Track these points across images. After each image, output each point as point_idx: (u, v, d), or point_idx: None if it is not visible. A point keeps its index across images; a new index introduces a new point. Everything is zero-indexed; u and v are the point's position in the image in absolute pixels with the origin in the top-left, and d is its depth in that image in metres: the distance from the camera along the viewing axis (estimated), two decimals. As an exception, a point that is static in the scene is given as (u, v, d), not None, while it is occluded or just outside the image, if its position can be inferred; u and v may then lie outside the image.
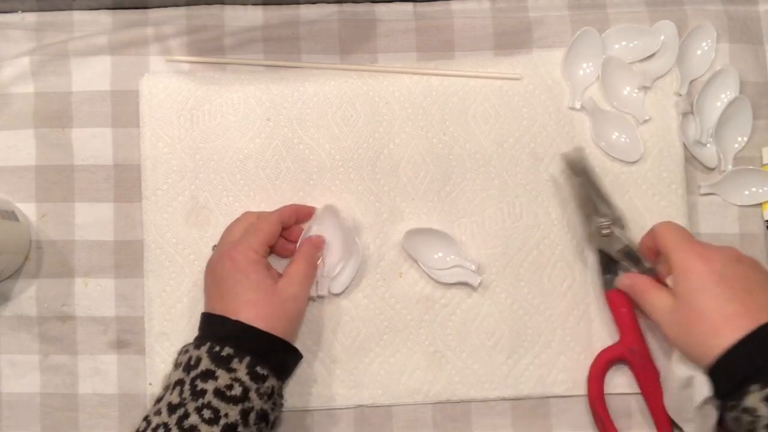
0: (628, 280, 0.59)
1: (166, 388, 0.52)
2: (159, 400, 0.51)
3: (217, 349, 0.51)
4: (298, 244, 0.60)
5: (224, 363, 0.50)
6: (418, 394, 0.61)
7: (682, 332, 0.53)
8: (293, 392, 0.60)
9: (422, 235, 0.61)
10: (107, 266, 0.63)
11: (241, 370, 0.50)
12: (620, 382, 0.60)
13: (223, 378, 0.50)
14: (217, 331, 0.53)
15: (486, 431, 0.61)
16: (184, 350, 0.53)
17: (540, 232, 0.62)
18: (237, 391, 0.50)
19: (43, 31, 0.65)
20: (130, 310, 0.62)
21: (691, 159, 0.63)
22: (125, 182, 0.63)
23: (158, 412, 0.50)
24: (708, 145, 0.63)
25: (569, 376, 0.61)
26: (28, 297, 0.62)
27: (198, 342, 0.52)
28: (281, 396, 0.54)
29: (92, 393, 0.61)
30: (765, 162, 0.63)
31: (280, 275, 0.57)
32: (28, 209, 0.63)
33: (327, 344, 0.61)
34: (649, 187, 0.62)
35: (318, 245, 0.60)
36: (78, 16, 0.65)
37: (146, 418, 0.50)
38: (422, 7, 0.65)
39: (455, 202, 0.63)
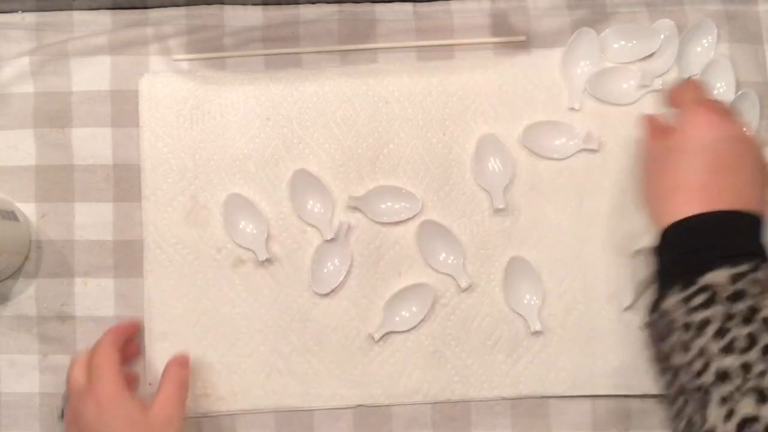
0: (646, 120, 0.59)
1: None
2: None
3: None
4: (164, 367, 0.58)
5: None
6: (418, 393, 0.61)
7: (651, 183, 0.55)
8: (293, 392, 0.61)
9: (433, 231, 0.62)
10: (107, 266, 0.63)
11: None
12: (621, 383, 0.60)
13: None
14: None
15: (485, 431, 0.61)
16: None
17: (539, 232, 0.62)
18: None
19: (43, 31, 0.65)
20: (130, 310, 0.62)
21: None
22: (125, 182, 0.63)
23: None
24: None
25: (568, 376, 0.61)
26: (27, 297, 0.62)
27: None
28: None
29: (92, 393, 0.61)
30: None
31: (145, 404, 0.55)
32: (28, 209, 0.63)
33: (327, 344, 0.61)
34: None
35: (183, 364, 0.58)
36: (78, 16, 0.65)
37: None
38: (422, 7, 0.65)
39: (455, 202, 0.62)
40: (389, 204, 0.62)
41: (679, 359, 0.49)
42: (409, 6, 0.65)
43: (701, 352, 0.47)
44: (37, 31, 0.65)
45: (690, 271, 0.49)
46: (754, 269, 0.48)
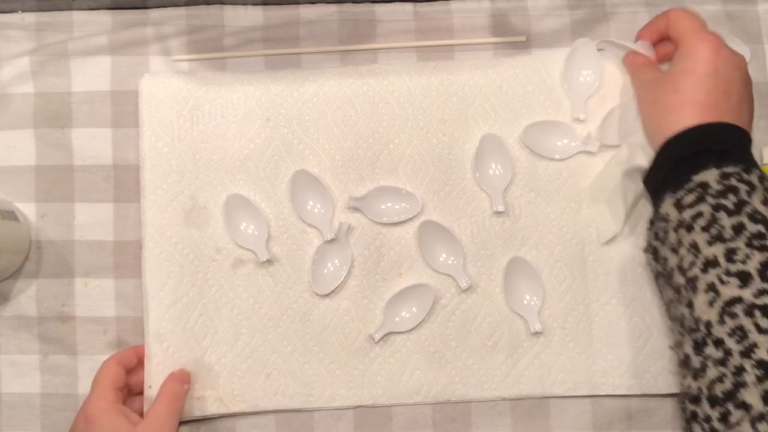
0: (631, 56, 0.61)
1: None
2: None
3: None
4: (162, 383, 0.59)
5: None
6: (418, 394, 0.61)
7: (653, 101, 0.56)
8: (293, 392, 0.61)
9: (433, 231, 0.62)
10: (107, 266, 0.63)
11: None
12: (621, 383, 0.60)
13: None
14: None
15: (485, 431, 0.61)
16: None
17: (539, 232, 0.62)
18: None
19: (43, 31, 0.65)
20: (129, 310, 0.62)
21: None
22: (125, 182, 0.63)
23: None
24: None
25: (569, 377, 0.61)
26: (28, 297, 0.62)
27: None
28: None
29: (92, 393, 0.61)
30: (765, 162, 0.63)
31: (136, 419, 0.56)
32: (28, 209, 0.63)
33: (327, 344, 0.61)
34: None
35: (182, 379, 0.59)
36: (78, 16, 0.65)
37: None
38: (422, 7, 0.65)
39: (455, 202, 0.62)
40: (389, 204, 0.62)
41: (673, 260, 0.50)
42: (409, 6, 0.65)
43: (691, 246, 0.49)
44: (37, 31, 0.65)
45: (685, 173, 0.51)
46: (744, 171, 0.50)
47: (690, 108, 0.53)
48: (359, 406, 0.61)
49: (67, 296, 0.62)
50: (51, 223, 0.63)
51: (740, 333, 0.45)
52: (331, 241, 0.61)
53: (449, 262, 0.62)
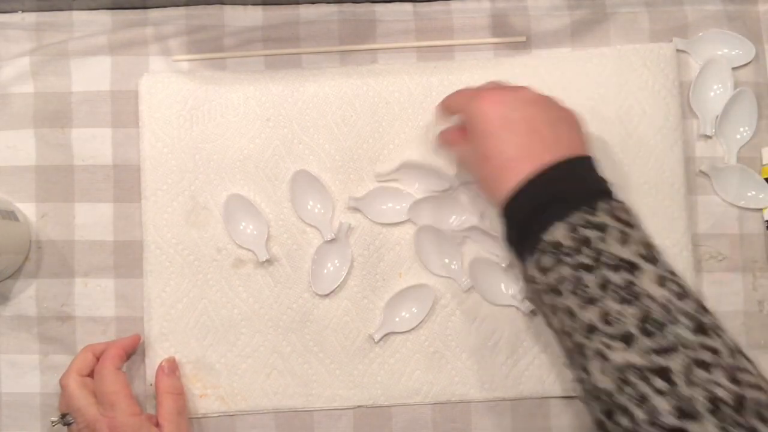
0: (443, 136, 0.60)
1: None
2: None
3: None
4: (154, 382, 0.59)
5: None
6: (418, 394, 0.61)
7: (477, 177, 0.54)
8: (293, 392, 0.61)
9: (429, 235, 0.62)
10: (107, 266, 0.63)
11: None
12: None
13: None
14: None
15: (485, 431, 0.61)
16: None
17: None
18: None
19: (43, 31, 0.65)
20: (129, 310, 0.62)
21: (692, 158, 0.63)
22: (125, 182, 0.63)
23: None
24: (712, 136, 0.63)
25: (569, 376, 0.60)
26: (27, 297, 0.62)
27: None
28: None
29: (92, 393, 0.61)
30: (765, 162, 0.63)
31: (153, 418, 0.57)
32: (28, 209, 0.63)
33: (327, 344, 0.61)
34: (651, 186, 0.62)
35: (171, 370, 0.60)
36: (78, 16, 0.65)
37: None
38: (422, 7, 0.65)
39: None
40: (390, 205, 0.62)
41: (555, 322, 0.49)
42: (409, 6, 0.65)
43: (567, 312, 0.47)
44: (37, 31, 0.65)
45: (535, 234, 0.48)
46: (590, 212, 0.47)
47: (505, 171, 0.50)
48: (359, 406, 0.61)
49: (66, 296, 0.62)
50: (51, 223, 0.63)
51: (640, 398, 0.43)
52: (331, 241, 0.61)
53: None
